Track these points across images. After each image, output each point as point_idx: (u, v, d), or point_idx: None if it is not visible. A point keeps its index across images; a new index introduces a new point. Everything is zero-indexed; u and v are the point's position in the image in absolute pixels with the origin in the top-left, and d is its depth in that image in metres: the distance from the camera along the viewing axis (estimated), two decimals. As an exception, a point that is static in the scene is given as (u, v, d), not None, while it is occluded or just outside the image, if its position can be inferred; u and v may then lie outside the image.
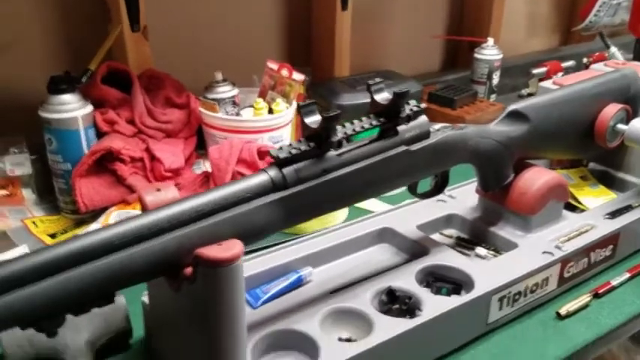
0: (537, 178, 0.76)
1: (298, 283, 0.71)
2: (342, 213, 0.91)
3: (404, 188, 0.70)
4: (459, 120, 1.18)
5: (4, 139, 0.93)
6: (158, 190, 0.56)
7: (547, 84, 0.88)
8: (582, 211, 0.85)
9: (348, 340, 0.61)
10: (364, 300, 0.65)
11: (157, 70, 1.02)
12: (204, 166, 1.00)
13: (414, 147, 0.63)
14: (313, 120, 0.56)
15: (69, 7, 1.01)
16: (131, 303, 0.64)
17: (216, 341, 0.49)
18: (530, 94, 1.41)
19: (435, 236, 0.81)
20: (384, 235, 0.79)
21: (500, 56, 1.32)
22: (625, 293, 0.75)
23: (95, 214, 0.88)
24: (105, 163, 0.90)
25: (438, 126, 0.68)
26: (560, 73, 1.38)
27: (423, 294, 0.66)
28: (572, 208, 0.86)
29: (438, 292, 0.67)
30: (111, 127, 0.92)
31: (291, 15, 1.25)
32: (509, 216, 0.78)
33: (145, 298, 0.62)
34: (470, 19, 1.53)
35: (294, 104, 1.00)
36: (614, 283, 0.75)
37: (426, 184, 0.73)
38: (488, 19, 1.48)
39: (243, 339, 0.51)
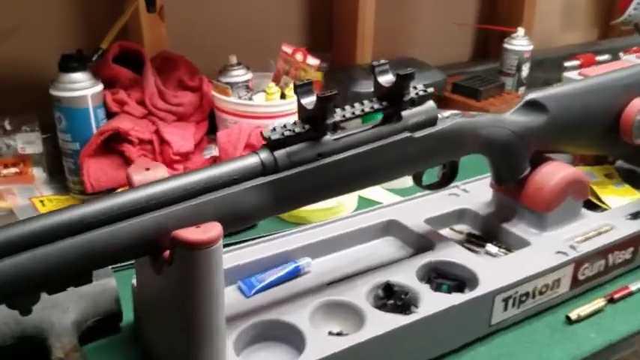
0: (555, 173, 0.72)
1: (295, 274, 0.68)
2: (352, 203, 0.88)
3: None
4: (483, 111, 1.13)
5: (17, 117, 0.93)
6: (147, 169, 0.55)
7: (572, 74, 0.83)
8: (604, 210, 0.80)
9: (339, 334, 0.58)
10: (359, 294, 0.62)
11: (172, 52, 1.00)
12: (215, 151, 0.98)
13: (418, 134, 0.60)
14: (309, 101, 0.54)
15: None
16: (123, 286, 0.63)
17: (193, 326, 0.48)
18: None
19: (445, 231, 0.78)
20: (390, 228, 0.76)
21: (531, 47, 1.26)
22: (643, 300, 0.70)
23: (102, 195, 0.87)
24: (113, 144, 0.89)
25: (447, 113, 0.65)
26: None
27: (422, 290, 0.62)
28: (594, 207, 0.81)
29: (437, 288, 0.64)
30: (120, 108, 0.91)
31: (312, 1, 1.22)
32: (523, 212, 0.74)
33: (135, 281, 0.61)
34: (503, 9, 1.47)
35: (309, 90, 0.98)
36: (632, 288, 0.70)
37: (433, 174, 0.70)
38: (521, 8, 1.42)
39: (220, 325, 0.49)
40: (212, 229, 0.45)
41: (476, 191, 0.82)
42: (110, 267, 0.64)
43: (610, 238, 0.71)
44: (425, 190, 0.71)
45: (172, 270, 0.47)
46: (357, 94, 1.07)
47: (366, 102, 0.58)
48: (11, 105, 0.94)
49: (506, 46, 1.27)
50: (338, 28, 1.23)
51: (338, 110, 0.56)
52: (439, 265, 0.67)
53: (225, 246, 0.71)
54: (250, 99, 0.95)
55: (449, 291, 0.64)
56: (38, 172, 0.95)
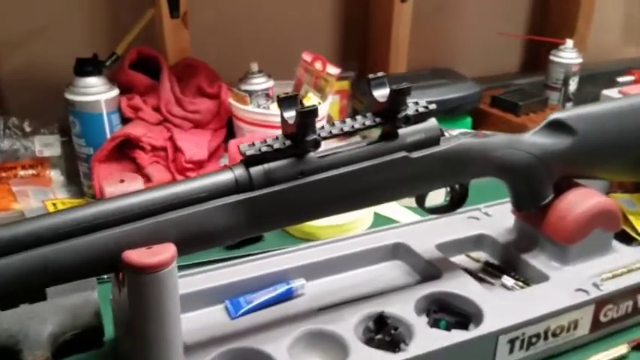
0: (581, 201, 0.65)
1: (287, 296, 0.64)
2: (367, 220, 0.84)
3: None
4: (522, 128, 1.05)
5: (37, 120, 0.94)
6: (122, 181, 0.53)
7: (612, 92, 0.75)
8: (640, 244, 0.72)
9: (319, 368, 0.54)
10: (348, 324, 0.57)
11: (194, 59, 0.99)
12: (232, 159, 0.96)
13: (416, 154, 0.55)
14: (290, 115, 0.50)
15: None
16: (106, 300, 0.61)
17: (144, 350, 0.44)
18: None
19: (460, 258, 0.72)
20: (398, 252, 0.71)
21: (579, 60, 1.17)
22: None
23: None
24: (126, 150, 0.88)
25: (455, 132, 0.59)
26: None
27: (417, 325, 0.57)
28: (630, 239, 0.73)
29: (435, 324, 0.58)
30: (135, 114, 0.89)
31: (347, 6, 1.18)
32: (544, 243, 0.67)
33: (112, 295, 0.58)
34: (555, 19, 1.38)
35: (330, 99, 0.94)
36: (663, 335, 0.62)
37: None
38: (575, 19, 1.33)
39: (174, 350, 0.45)
40: (163, 252, 0.42)
41: (499, 216, 0.75)
42: (95, 279, 0.62)
43: (641, 277, 0.63)
44: (433, 214, 0.65)
45: (127, 292, 0.44)
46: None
47: (358, 117, 0.53)
48: (33, 107, 0.95)
49: (552, 58, 1.19)
50: (372, 37, 1.19)
51: (326, 126, 0.52)
52: (442, 296, 0.62)
53: (217, 261, 0.69)
54: (268, 107, 0.92)
55: (448, 327, 0.58)
56: (56, 175, 0.95)
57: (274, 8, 1.11)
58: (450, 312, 0.60)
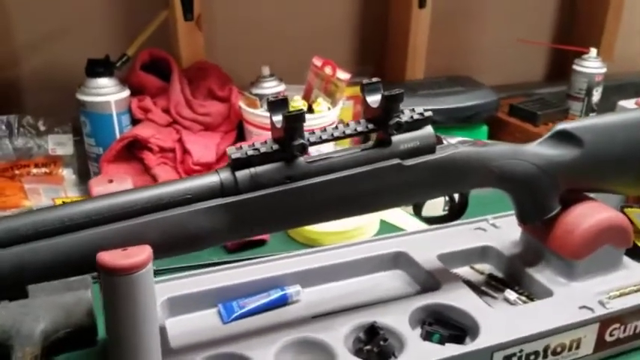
0: (589, 215, 0.63)
1: (282, 302, 0.63)
2: (373, 227, 0.82)
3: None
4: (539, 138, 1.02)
5: (51, 119, 0.95)
6: (110, 181, 0.52)
7: (628, 103, 0.72)
8: (653, 261, 0.68)
9: (304, 377, 0.52)
10: (339, 334, 0.56)
11: (207, 62, 0.99)
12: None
13: (410, 161, 0.53)
14: (278, 119, 0.49)
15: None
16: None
17: (120, 355, 0.44)
18: None
19: (464, 270, 0.70)
20: (399, 261, 0.69)
21: (603, 70, 1.14)
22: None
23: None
24: (134, 151, 0.88)
25: (454, 140, 0.57)
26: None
27: (410, 337, 0.55)
28: (643, 256, 0.70)
29: (428, 337, 0.56)
30: (145, 115, 0.90)
31: (365, 12, 1.17)
32: (550, 257, 0.65)
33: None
34: (581, 29, 1.35)
35: (341, 104, 0.93)
36: (672, 358, 0.59)
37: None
38: (601, 28, 1.29)
39: (150, 355, 0.44)
40: (138, 254, 0.41)
41: (506, 228, 0.73)
42: (90, 278, 0.62)
43: (650, 296, 0.60)
44: (431, 224, 0.64)
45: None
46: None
47: (351, 123, 0.52)
48: (49, 107, 0.96)
49: (575, 67, 1.15)
50: (390, 43, 1.17)
51: (317, 131, 0.51)
52: (438, 308, 0.60)
53: (214, 264, 0.69)
54: (278, 112, 0.91)
55: (442, 341, 0.56)
56: (68, 174, 0.96)
57: (290, 12, 1.11)
58: (446, 325, 0.58)
